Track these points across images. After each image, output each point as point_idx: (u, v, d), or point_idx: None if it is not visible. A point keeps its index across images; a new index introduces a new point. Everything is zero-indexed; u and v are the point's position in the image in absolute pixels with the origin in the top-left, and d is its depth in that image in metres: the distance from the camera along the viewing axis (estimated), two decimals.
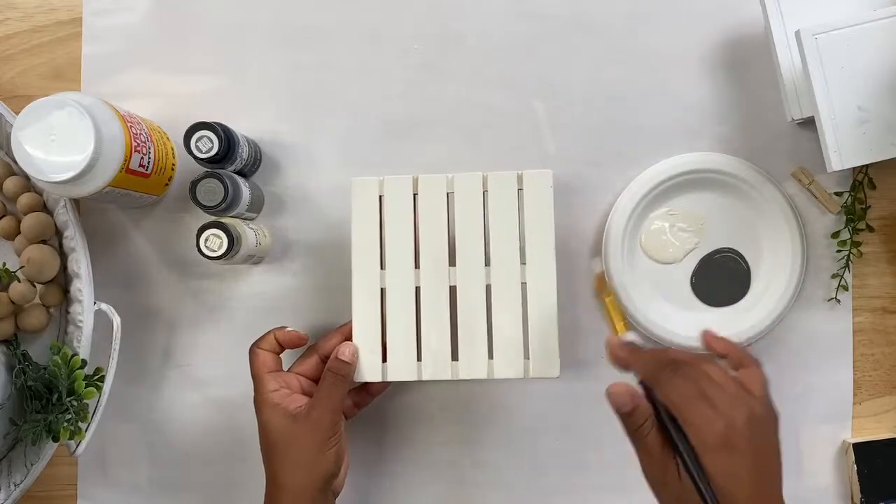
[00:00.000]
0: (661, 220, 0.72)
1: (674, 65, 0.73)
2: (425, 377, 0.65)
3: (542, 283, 0.64)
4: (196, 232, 0.66)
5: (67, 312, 0.71)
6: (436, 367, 0.65)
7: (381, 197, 0.66)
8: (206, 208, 0.66)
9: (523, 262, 0.65)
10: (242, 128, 0.72)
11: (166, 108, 0.74)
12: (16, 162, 0.64)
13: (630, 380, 0.57)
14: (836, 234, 0.71)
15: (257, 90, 0.74)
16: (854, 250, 0.71)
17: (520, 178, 0.65)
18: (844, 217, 0.71)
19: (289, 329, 0.66)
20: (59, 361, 0.65)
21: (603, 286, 0.71)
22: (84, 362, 0.66)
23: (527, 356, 0.64)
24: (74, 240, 0.69)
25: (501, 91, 0.73)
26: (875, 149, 0.63)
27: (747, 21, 0.71)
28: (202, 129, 0.67)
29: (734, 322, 0.70)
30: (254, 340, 0.66)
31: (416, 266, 0.66)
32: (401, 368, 0.65)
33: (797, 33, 0.63)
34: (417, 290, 0.65)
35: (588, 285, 0.73)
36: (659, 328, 0.70)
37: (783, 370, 0.72)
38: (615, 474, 0.72)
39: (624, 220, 0.70)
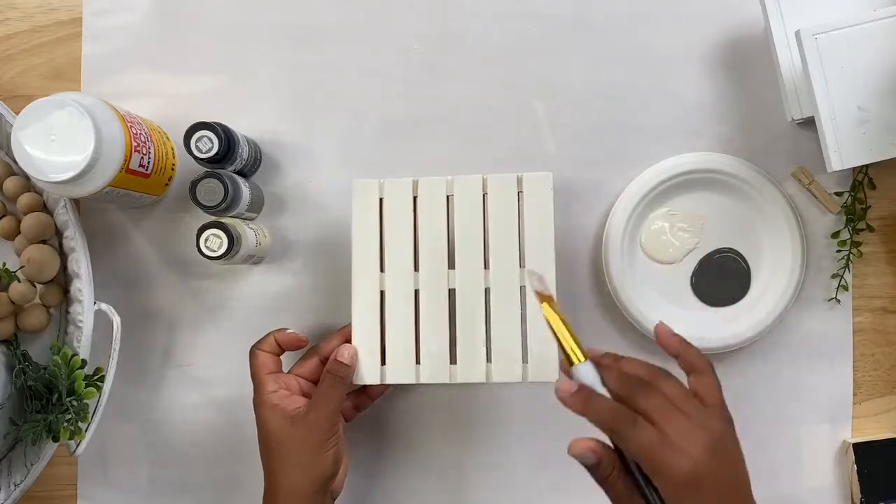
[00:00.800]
0: (661, 220, 0.72)
1: (674, 65, 0.72)
2: (424, 380, 0.65)
3: None
4: (196, 232, 0.66)
5: (67, 312, 0.71)
6: (434, 370, 0.64)
7: (381, 199, 0.66)
8: (206, 208, 0.66)
9: (523, 266, 0.64)
10: (242, 128, 0.72)
11: (166, 108, 0.74)
12: (16, 162, 0.64)
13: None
14: (836, 234, 0.71)
15: (257, 90, 0.74)
16: (854, 250, 0.71)
17: (520, 181, 0.65)
18: (844, 217, 0.71)
19: (289, 331, 0.66)
20: (59, 361, 0.65)
21: (542, 296, 0.58)
22: (84, 362, 0.66)
23: (525, 360, 0.64)
24: (74, 240, 0.69)
25: (501, 91, 0.73)
26: (875, 149, 0.63)
27: (747, 21, 0.71)
28: (202, 129, 0.67)
29: (734, 322, 0.70)
30: (254, 341, 0.66)
31: (416, 269, 0.65)
32: (399, 371, 0.65)
33: (797, 33, 0.62)
34: (417, 292, 0.65)
35: (588, 285, 0.73)
36: None
37: (783, 370, 0.72)
38: None
39: (624, 221, 0.70)
